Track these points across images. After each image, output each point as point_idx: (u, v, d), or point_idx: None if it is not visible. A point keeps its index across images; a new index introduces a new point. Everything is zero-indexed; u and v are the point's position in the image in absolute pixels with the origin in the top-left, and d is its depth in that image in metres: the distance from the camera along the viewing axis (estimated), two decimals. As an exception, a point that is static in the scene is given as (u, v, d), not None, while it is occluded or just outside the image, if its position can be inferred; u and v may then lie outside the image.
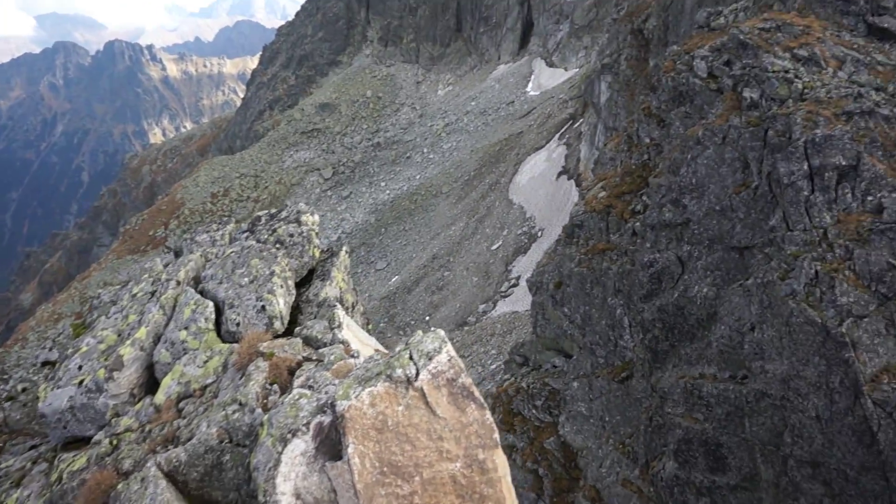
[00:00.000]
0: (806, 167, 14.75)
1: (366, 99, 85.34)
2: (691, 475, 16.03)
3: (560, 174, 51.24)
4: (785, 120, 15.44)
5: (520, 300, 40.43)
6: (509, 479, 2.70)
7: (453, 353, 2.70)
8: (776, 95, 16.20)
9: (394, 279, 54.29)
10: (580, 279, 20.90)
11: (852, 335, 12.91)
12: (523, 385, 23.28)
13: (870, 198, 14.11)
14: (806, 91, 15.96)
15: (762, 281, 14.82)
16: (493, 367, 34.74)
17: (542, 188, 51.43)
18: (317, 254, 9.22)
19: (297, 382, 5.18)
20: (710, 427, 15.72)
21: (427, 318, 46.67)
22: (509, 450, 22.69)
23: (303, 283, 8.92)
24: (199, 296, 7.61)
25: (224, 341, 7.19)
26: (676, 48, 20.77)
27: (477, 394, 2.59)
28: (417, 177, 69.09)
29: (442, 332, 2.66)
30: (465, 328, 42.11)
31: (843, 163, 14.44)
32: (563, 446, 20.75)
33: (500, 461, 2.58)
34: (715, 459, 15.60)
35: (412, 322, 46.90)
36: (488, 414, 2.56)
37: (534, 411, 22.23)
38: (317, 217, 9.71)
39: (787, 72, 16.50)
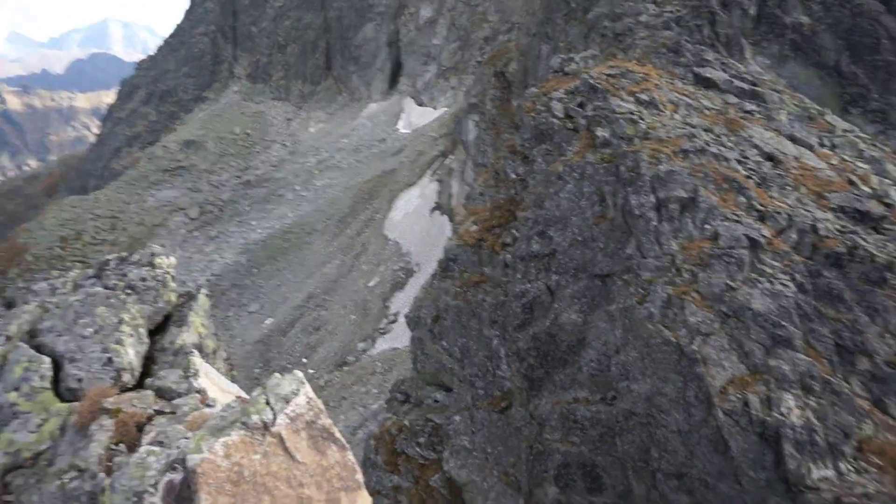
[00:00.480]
0: (653, 199, 16.11)
1: (234, 136, 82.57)
2: (571, 498, 16.54)
3: (433, 209, 52.25)
4: (633, 157, 16.84)
5: (399, 336, 40.31)
6: (374, 520, 2.61)
7: (311, 394, 2.59)
8: (624, 134, 17.65)
9: (268, 321, 52.14)
10: (457, 312, 21.22)
11: (702, 352, 14.10)
12: (406, 423, 23.03)
13: (707, 226, 15.65)
14: (649, 131, 17.54)
15: (623, 306, 15.85)
16: (375, 406, 34.18)
17: (417, 224, 52.11)
18: (173, 298, 8.61)
19: (146, 439, 4.74)
20: (585, 449, 16.37)
21: (304, 360, 45.16)
22: (394, 491, 22.25)
23: (158, 330, 8.28)
24: (33, 351, 6.81)
25: (64, 400, 6.45)
26: (535, 90, 22.11)
27: (337, 434, 2.49)
28: (290, 215, 67.45)
29: (300, 374, 2.55)
30: (345, 368, 41.20)
31: (684, 195, 15.94)
32: (449, 482, 20.68)
33: (364, 502, 2.49)
34: (592, 480, 16.22)
35: (288, 365, 45.14)
36: (350, 455, 2.47)
37: (417, 449, 22.01)
38: (173, 259, 9.10)
39: (632, 113, 18.07)
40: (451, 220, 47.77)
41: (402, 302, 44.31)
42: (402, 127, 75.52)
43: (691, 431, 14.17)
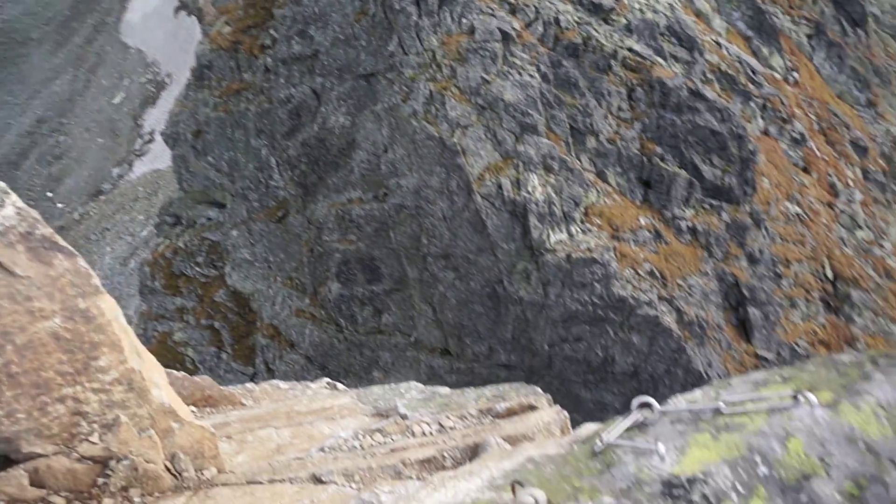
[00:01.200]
0: (412, -8, 15.76)
1: None
2: (354, 290, 17.83)
3: (178, 9, 45.57)
4: (390, -56, 15.97)
5: (159, 157, 36.87)
6: (122, 320, 2.62)
7: (21, 204, 2.35)
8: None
9: (-10, 155, 43.93)
10: (219, 124, 19.82)
11: (462, 143, 15.16)
12: (180, 245, 22.12)
13: (464, 20, 15.93)
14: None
15: (388, 105, 16.08)
16: (145, 233, 32.01)
17: (161, 27, 45.41)
18: None
19: None
20: (363, 245, 17.40)
21: (49, 193, 39.73)
22: (179, 313, 21.95)
23: None
24: None
25: None
26: None
27: (62, 242, 2.35)
28: (-10, 20, 54.08)
29: (2, 184, 2.27)
30: (102, 198, 37.25)
31: (442, -13, 15.81)
32: (234, 295, 20.87)
33: (107, 305, 2.47)
34: (371, 272, 17.53)
35: (31, 203, 39.43)
36: (81, 261, 2.37)
37: (197, 269, 21.53)
38: None
39: None
40: (201, 21, 42.29)
41: (156, 119, 39.85)
42: None
43: (454, 217, 15.70)
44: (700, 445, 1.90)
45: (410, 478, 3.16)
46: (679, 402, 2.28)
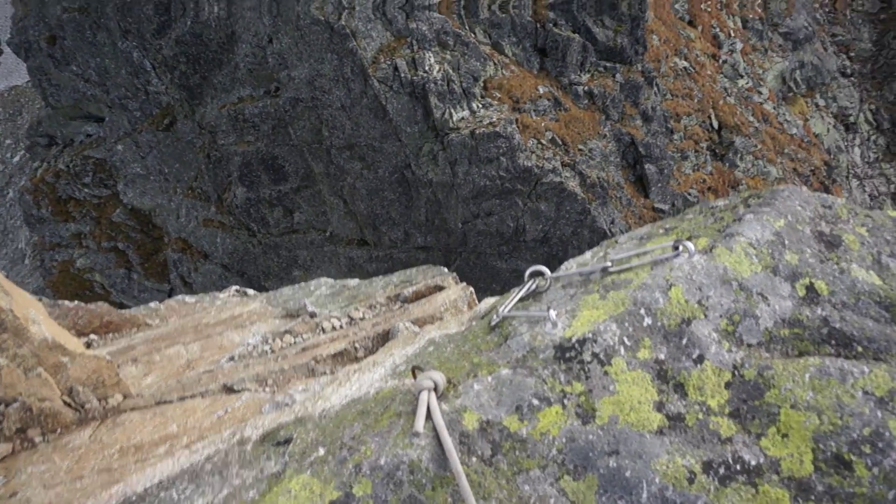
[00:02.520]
0: None
1: None
2: (260, 193, 17.33)
3: None
4: None
5: (14, 71, 32.88)
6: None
7: None
8: None
9: None
10: (76, 27, 17.77)
11: (350, 26, 14.41)
12: (62, 167, 20.44)
13: None
14: None
15: (266, -11, 14.87)
16: (17, 159, 29.23)
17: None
18: None
19: None
20: (262, 145, 16.71)
21: None
22: (76, 239, 20.72)
23: None
24: None
25: None
26: None
27: None
28: None
29: None
30: (-43, 124, 33.24)
31: None
32: (133, 213, 19.82)
33: None
34: (275, 171, 17.00)
35: None
36: None
37: (86, 190, 20.13)
38: None
39: None
40: None
41: None
42: None
43: (353, 105, 15.24)
44: (589, 307, 1.98)
45: (324, 373, 3.19)
46: (570, 265, 2.41)
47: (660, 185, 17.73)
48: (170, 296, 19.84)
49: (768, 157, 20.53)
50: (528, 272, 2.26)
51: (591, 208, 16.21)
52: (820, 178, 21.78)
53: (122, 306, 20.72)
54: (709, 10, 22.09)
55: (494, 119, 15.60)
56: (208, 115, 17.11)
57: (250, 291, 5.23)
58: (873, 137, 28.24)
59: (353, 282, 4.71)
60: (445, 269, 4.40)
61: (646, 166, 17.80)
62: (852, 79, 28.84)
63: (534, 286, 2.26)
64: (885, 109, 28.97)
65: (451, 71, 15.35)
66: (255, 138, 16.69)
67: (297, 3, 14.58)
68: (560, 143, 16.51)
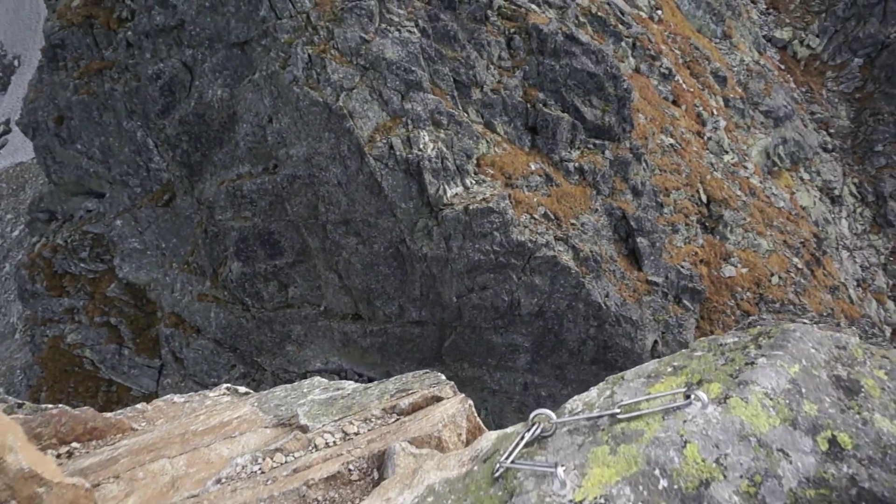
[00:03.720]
0: (277, -48, 15.10)
1: None
2: (255, 267, 17.44)
3: (17, -18, 41.01)
4: None
5: (19, 149, 33.72)
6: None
7: None
8: None
9: None
10: (83, 108, 18.37)
11: (347, 106, 14.96)
12: (59, 242, 20.61)
13: (336, -22, 15.48)
14: None
15: (267, 73, 15.51)
16: (16, 233, 29.45)
17: (1, 4, 40.77)
18: None
19: None
20: (259, 221, 16.96)
21: None
22: (69, 314, 20.62)
23: None
24: None
25: None
26: None
27: None
28: None
29: None
30: (-42, 200, 33.67)
31: (308, -55, 15.23)
32: (128, 288, 19.83)
33: None
34: (271, 247, 17.17)
35: None
36: None
37: (82, 265, 20.21)
38: None
39: None
40: (46, -6, 38.36)
41: (9, 107, 36.23)
42: None
43: (349, 182, 15.59)
44: (599, 463, 1.88)
45: (316, 500, 3.05)
46: (576, 405, 2.30)
47: (652, 258, 17.94)
48: (160, 372, 19.60)
49: (758, 230, 20.88)
50: (532, 415, 2.21)
51: (586, 281, 16.33)
52: (810, 251, 22.08)
53: (110, 383, 20.35)
54: (691, 90, 23.04)
55: (488, 195, 15.95)
56: (207, 191, 17.45)
57: (241, 389, 5.06)
58: (859, 210, 28.85)
59: (349, 386, 4.57)
60: (443, 377, 4.28)
61: (637, 240, 18.06)
62: (834, 153, 29.75)
63: (538, 430, 2.17)
64: (868, 182, 29.74)
65: (444, 149, 15.82)
66: (252, 214, 16.96)
67: (295, 86, 15.17)
68: (553, 217, 16.82)
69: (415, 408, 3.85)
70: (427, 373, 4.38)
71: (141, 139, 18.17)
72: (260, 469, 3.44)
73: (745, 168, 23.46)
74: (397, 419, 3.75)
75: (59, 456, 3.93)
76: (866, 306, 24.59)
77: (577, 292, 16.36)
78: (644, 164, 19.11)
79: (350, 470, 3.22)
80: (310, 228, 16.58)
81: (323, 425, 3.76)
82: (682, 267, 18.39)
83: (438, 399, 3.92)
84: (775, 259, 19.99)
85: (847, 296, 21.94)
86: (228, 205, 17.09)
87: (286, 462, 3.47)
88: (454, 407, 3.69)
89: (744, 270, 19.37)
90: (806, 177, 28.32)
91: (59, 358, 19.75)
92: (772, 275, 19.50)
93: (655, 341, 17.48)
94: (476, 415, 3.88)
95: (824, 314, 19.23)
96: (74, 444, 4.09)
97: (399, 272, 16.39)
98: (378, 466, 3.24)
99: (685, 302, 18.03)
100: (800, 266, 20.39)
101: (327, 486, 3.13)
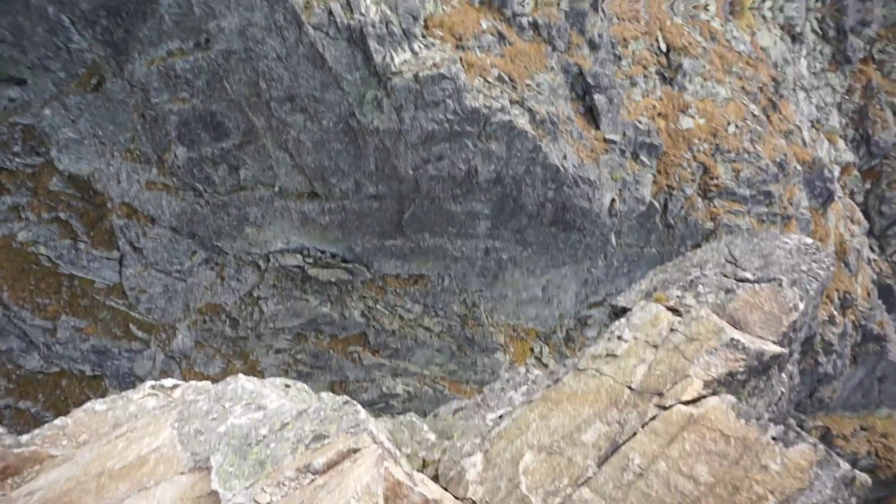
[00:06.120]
0: None
1: None
2: (202, 151, 16.73)
3: None
4: None
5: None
6: None
7: None
8: None
9: None
10: (-19, -16, 16.35)
11: (277, -31, 13.58)
12: (-13, 135, 19.28)
13: None
14: None
15: (182, -67, 13.82)
16: (-60, 126, 27.46)
17: None
18: None
19: None
20: (198, 101, 15.99)
21: None
22: (15, 212, 19.85)
23: None
24: None
25: None
26: None
27: None
28: None
29: None
30: None
31: None
32: (71, 180, 18.97)
33: None
34: (215, 129, 16.36)
35: None
36: None
37: (17, 160, 19.11)
38: None
39: None
40: None
41: None
42: None
43: (289, 55, 14.57)
44: None
45: None
46: None
47: (610, 115, 17.65)
48: (121, 263, 19.40)
49: (717, 78, 20.50)
50: None
51: (542, 145, 16.12)
52: (768, 95, 21.91)
53: (71, 278, 20.17)
54: (653, -75, 21.39)
55: (438, 59, 15.14)
56: (137, 72, 16.21)
57: (167, 383, 4.90)
58: (819, 47, 28.36)
59: (270, 406, 4.38)
60: (362, 414, 4.21)
61: (595, 97, 17.64)
62: (798, -12, 28.60)
63: None
64: (831, 17, 28.99)
65: (388, 11, 14.73)
66: (189, 95, 15.95)
67: (217, -53, 13.63)
68: (507, 79, 16.17)
69: (329, 465, 3.79)
70: (346, 403, 4.32)
71: (54, 16, 16.44)
72: None
73: (707, 10, 22.50)
74: (312, 481, 3.70)
75: None
76: (818, 147, 24.99)
77: (535, 156, 16.20)
78: (602, 14, 18.18)
79: None
80: (253, 107, 15.73)
81: (234, 495, 3.64)
82: (640, 122, 18.19)
83: (356, 451, 3.83)
84: (732, 107, 19.84)
85: (801, 139, 22.17)
86: (163, 86, 15.98)
87: None
88: (369, 472, 3.65)
89: (701, 121, 19.26)
90: (769, 15, 27.40)
91: (14, 257, 19.29)
92: (728, 124, 19.45)
93: (613, 199, 17.71)
94: (393, 475, 3.80)
95: (776, 160, 19.52)
96: None
97: (351, 147, 15.91)
98: None
99: (642, 158, 18.06)
100: (756, 113, 20.33)
101: None
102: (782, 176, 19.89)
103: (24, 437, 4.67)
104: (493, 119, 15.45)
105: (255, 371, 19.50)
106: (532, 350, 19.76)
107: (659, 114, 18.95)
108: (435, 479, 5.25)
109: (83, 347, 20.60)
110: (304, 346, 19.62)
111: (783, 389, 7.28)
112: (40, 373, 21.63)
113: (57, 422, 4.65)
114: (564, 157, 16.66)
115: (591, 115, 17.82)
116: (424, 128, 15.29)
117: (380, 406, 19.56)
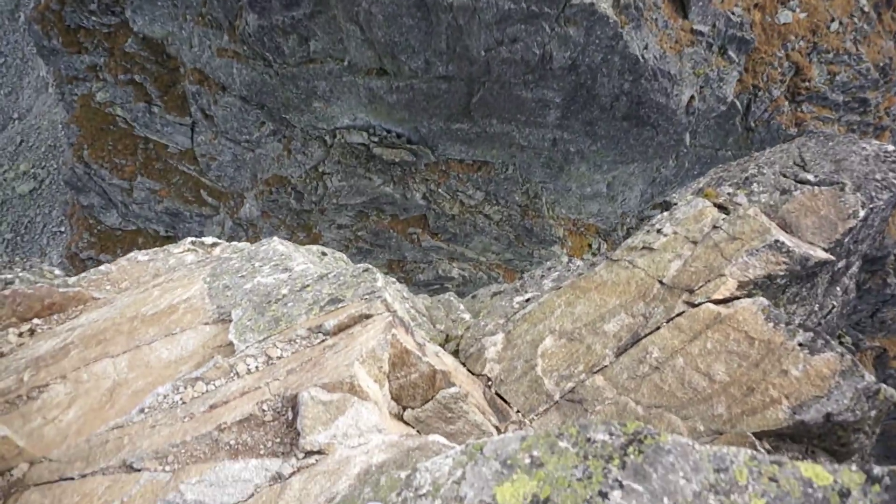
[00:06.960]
0: None
1: None
2: (272, 20, 16.48)
3: None
4: None
5: None
6: None
7: None
8: None
9: None
10: None
11: None
12: (65, -8, 19.44)
13: None
14: None
15: None
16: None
17: None
18: None
19: None
20: (270, -35, 15.54)
21: None
22: (93, 70, 20.34)
23: None
24: None
25: None
26: None
27: None
28: None
29: None
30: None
31: None
32: (146, 42, 19.16)
33: None
34: None
35: None
36: None
37: (94, 18, 19.33)
38: None
39: None
40: None
41: None
42: None
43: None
44: None
45: (229, 443, 3.16)
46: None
47: (700, 3, 16.32)
48: (192, 129, 19.92)
49: (827, -34, 18.46)
50: None
51: (624, 32, 15.19)
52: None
53: (146, 140, 20.92)
54: None
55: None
56: (210, -69, 15.76)
57: (207, 240, 4.97)
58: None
59: (296, 269, 4.41)
60: (379, 281, 4.20)
61: (687, -20, 16.26)
62: None
63: None
64: None
65: None
66: (262, -42, 15.50)
67: None
68: (593, -44, 15.01)
69: (340, 328, 3.89)
70: (366, 271, 4.35)
71: None
72: (181, 399, 3.54)
73: None
74: (322, 341, 3.82)
75: (20, 335, 4.12)
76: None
77: (614, 44, 15.33)
78: None
79: (264, 411, 3.29)
80: (326, -26, 15.21)
81: (247, 347, 3.83)
82: (734, 13, 16.78)
83: (368, 317, 3.91)
84: (840, 1, 17.99)
85: (912, 42, 20.11)
86: (235, -53, 15.55)
87: (206, 392, 3.57)
88: (376, 338, 3.70)
89: (802, 15, 17.62)
90: None
91: (93, 116, 20.00)
92: (832, 20, 17.75)
93: (692, 97, 16.81)
94: (409, 332, 3.85)
95: (879, 64, 17.88)
96: (35, 321, 4.20)
97: (423, 23, 15.36)
98: (292, 406, 3.33)
99: (730, 53, 16.85)
100: (867, 9, 18.40)
101: (240, 429, 3.18)
102: (883, 83, 18.31)
103: (72, 279, 5.00)
104: (573, 0, 14.54)
105: (317, 244, 20.23)
106: (590, 246, 19.72)
107: (756, 5, 17.40)
108: (455, 353, 5.37)
109: (157, 209, 21.70)
110: (365, 223, 20.13)
111: (835, 303, 7.02)
112: (118, 230, 23.06)
113: (102, 268, 4.93)
114: (646, 48, 15.70)
115: (681, 2, 16.52)
116: (500, 6, 14.55)
117: (435, 287, 20.17)
